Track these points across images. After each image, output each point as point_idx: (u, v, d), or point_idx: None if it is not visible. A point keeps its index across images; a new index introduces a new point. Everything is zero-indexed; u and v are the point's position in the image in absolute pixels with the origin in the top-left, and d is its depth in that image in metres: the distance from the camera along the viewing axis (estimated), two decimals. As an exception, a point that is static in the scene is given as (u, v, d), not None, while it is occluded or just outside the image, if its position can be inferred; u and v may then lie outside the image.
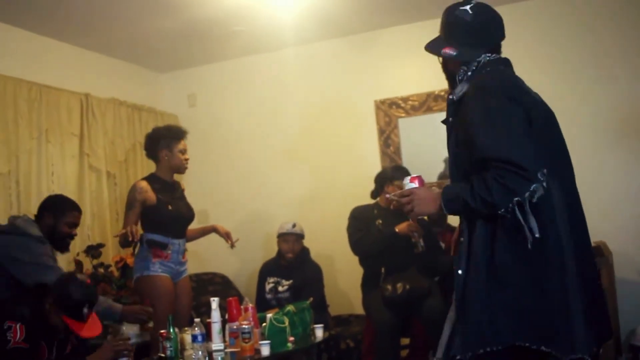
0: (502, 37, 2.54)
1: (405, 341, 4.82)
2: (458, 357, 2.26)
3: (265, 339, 3.73)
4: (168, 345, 3.68)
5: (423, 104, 5.70)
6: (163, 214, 4.35)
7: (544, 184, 2.14)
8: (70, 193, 5.22)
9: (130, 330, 4.59)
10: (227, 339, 3.88)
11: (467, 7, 2.45)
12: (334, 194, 5.84)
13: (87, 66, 5.72)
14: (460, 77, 2.45)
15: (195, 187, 6.35)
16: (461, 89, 2.42)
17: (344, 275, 5.76)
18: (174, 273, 4.43)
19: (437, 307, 4.42)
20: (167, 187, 4.46)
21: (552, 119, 2.47)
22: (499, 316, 2.20)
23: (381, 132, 5.82)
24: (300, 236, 5.22)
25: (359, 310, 5.16)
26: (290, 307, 4.01)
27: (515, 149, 2.16)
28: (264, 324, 3.93)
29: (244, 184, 6.32)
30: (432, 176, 5.53)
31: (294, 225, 5.21)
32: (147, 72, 6.51)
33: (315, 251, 5.42)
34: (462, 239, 2.38)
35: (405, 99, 5.75)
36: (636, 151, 5.09)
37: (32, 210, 4.84)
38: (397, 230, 4.54)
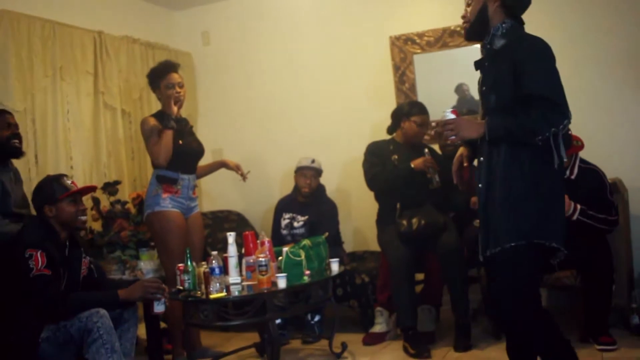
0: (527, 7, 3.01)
1: (420, 277, 4.87)
2: (489, 253, 2.85)
3: (281, 272, 3.78)
4: (186, 278, 3.74)
5: (439, 40, 5.62)
6: (174, 148, 4.37)
7: (570, 121, 2.71)
8: (86, 131, 5.27)
9: (147, 266, 4.67)
10: (244, 272, 3.94)
11: None
12: (349, 132, 5.82)
13: (100, 3, 5.66)
14: (496, 32, 2.94)
15: (209, 126, 6.38)
16: (500, 42, 2.92)
17: (359, 213, 5.79)
18: (185, 208, 4.47)
19: (452, 243, 4.46)
20: (174, 122, 4.43)
21: None
22: (522, 220, 2.78)
23: (396, 68, 5.75)
24: (318, 171, 5.24)
25: (374, 247, 5.21)
26: (306, 242, 4.05)
27: (558, 92, 2.72)
28: (280, 258, 3.97)
29: (258, 122, 6.31)
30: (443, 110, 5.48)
31: (312, 161, 5.22)
32: (161, 10, 6.44)
33: (330, 189, 5.45)
34: (481, 158, 2.92)
35: (420, 35, 5.66)
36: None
37: (48, 148, 4.90)
38: (412, 165, 4.54)
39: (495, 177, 2.84)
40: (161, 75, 4.47)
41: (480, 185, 2.91)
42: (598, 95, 5.11)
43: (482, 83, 3.03)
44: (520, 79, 2.77)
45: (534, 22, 5.23)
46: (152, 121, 4.41)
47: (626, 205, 4.65)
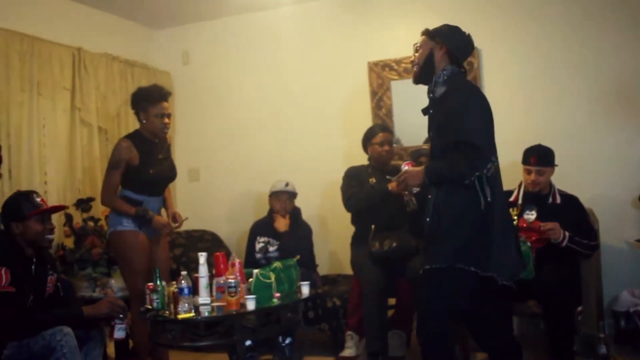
0: (467, 57, 3.53)
1: (392, 301, 4.87)
2: (428, 267, 3.21)
3: (251, 294, 3.77)
4: (155, 297, 3.71)
5: (416, 67, 5.68)
6: (143, 176, 4.32)
7: (495, 164, 3.12)
8: (61, 147, 5.25)
9: (118, 284, 4.64)
10: (214, 293, 3.91)
11: (466, 34, 3.39)
12: (326, 155, 5.85)
13: (80, 20, 5.68)
14: (438, 79, 3.31)
15: (186, 145, 6.39)
16: (440, 89, 3.29)
17: (334, 236, 5.81)
18: (148, 229, 4.40)
19: (421, 267, 4.46)
20: (150, 146, 4.40)
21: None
22: (446, 248, 3.15)
23: (373, 94, 5.80)
24: (292, 194, 5.25)
25: (348, 270, 5.21)
26: (277, 264, 4.03)
27: (482, 138, 3.08)
28: (250, 280, 3.96)
29: (236, 143, 6.32)
30: (421, 138, 5.53)
31: (287, 184, 5.23)
32: (141, 28, 6.46)
33: (306, 212, 5.45)
34: (429, 196, 3.32)
35: (398, 61, 5.72)
36: (626, 122, 5.09)
37: (22, 163, 4.87)
38: (389, 187, 4.57)
39: (436, 212, 3.24)
40: (152, 101, 4.34)
41: (427, 219, 3.31)
42: (569, 126, 5.19)
43: (429, 128, 3.40)
44: (451, 126, 3.15)
45: (512, 51, 5.35)
46: (125, 152, 4.29)
47: (597, 235, 4.70)
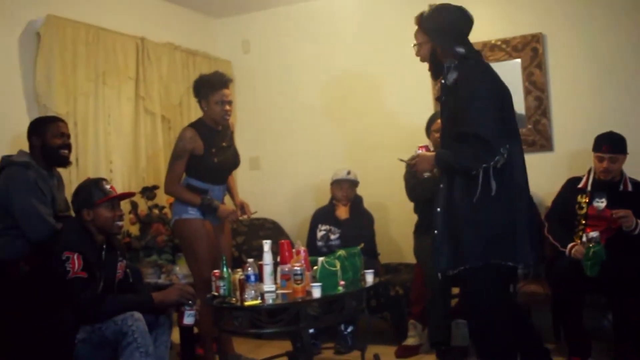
0: (470, 29, 3.34)
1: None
2: (453, 272, 3.21)
3: (316, 282, 3.77)
4: (221, 284, 3.74)
5: (479, 54, 5.58)
6: (208, 164, 4.34)
7: (505, 155, 3.06)
8: (126, 135, 5.33)
9: (183, 271, 4.69)
10: (278, 281, 3.93)
11: (453, 8, 3.30)
12: (388, 143, 5.79)
13: (144, 10, 5.75)
14: (449, 66, 3.25)
15: (247, 133, 6.40)
16: (452, 75, 3.21)
17: (395, 224, 5.76)
18: (213, 217, 4.44)
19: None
20: (214, 134, 4.42)
21: (512, 101, 3.32)
22: (474, 242, 3.13)
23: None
24: (354, 183, 5.23)
25: (409, 259, 5.18)
26: (341, 252, 4.03)
27: (487, 129, 3.03)
28: (315, 267, 3.96)
29: (297, 131, 6.32)
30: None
31: (348, 172, 5.21)
32: (202, 17, 6.51)
33: (368, 199, 5.42)
34: (441, 185, 3.29)
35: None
36: None
37: (89, 151, 4.96)
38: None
39: (449, 203, 3.23)
40: (213, 88, 4.34)
41: (438, 209, 3.28)
42: (638, 112, 5.03)
43: (441, 116, 3.43)
44: (459, 116, 3.14)
45: (578, 36, 5.18)
46: (189, 142, 4.31)
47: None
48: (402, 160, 3.60)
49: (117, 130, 5.26)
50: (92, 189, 3.51)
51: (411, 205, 4.87)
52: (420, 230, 4.75)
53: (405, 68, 5.81)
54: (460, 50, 3.24)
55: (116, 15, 5.39)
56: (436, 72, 3.40)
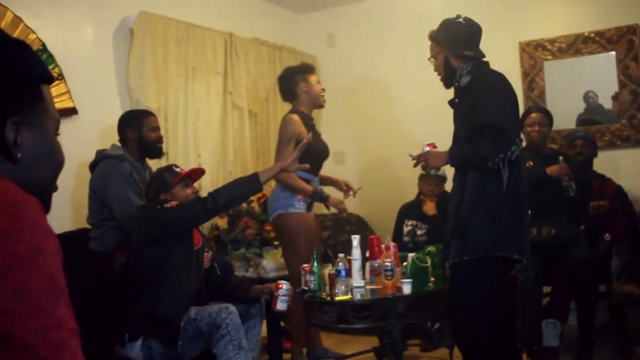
0: (479, 37, 3.47)
1: (547, 289, 4.70)
2: (455, 261, 3.24)
3: (407, 278, 3.73)
4: (311, 278, 3.75)
5: (571, 46, 5.41)
6: (313, 150, 4.22)
7: (520, 146, 3.15)
8: (214, 130, 5.39)
9: (270, 265, 4.72)
10: (367, 276, 3.91)
11: (461, 20, 3.45)
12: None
13: (231, 6, 5.82)
14: (462, 71, 3.35)
15: (332, 128, 6.38)
16: (466, 79, 3.31)
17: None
18: (311, 209, 4.47)
19: (583, 256, 4.28)
20: (309, 120, 4.43)
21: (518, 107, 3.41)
22: (485, 234, 3.18)
23: (525, 75, 5.59)
24: (442, 178, 5.14)
25: (498, 256, 5.07)
26: (431, 248, 3.98)
27: (507, 121, 3.12)
28: (405, 263, 3.92)
29: (381, 126, 6.27)
30: (572, 119, 5.34)
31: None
32: (288, 13, 6.54)
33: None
34: (453, 184, 3.37)
35: (552, 41, 5.47)
36: None
37: (178, 146, 5.04)
38: (548, 172, 4.41)
39: (462, 200, 3.26)
40: (311, 70, 4.51)
41: (450, 207, 3.36)
42: None
43: (454, 118, 3.46)
44: (476, 111, 3.18)
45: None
46: (297, 125, 4.30)
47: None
48: (411, 156, 3.62)
49: (205, 125, 5.33)
50: (164, 174, 3.55)
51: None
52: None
53: (493, 62, 5.67)
54: (472, 54, 3.37)
55: (205, 11, 5.46)
56: (448, 80, 3.48)
